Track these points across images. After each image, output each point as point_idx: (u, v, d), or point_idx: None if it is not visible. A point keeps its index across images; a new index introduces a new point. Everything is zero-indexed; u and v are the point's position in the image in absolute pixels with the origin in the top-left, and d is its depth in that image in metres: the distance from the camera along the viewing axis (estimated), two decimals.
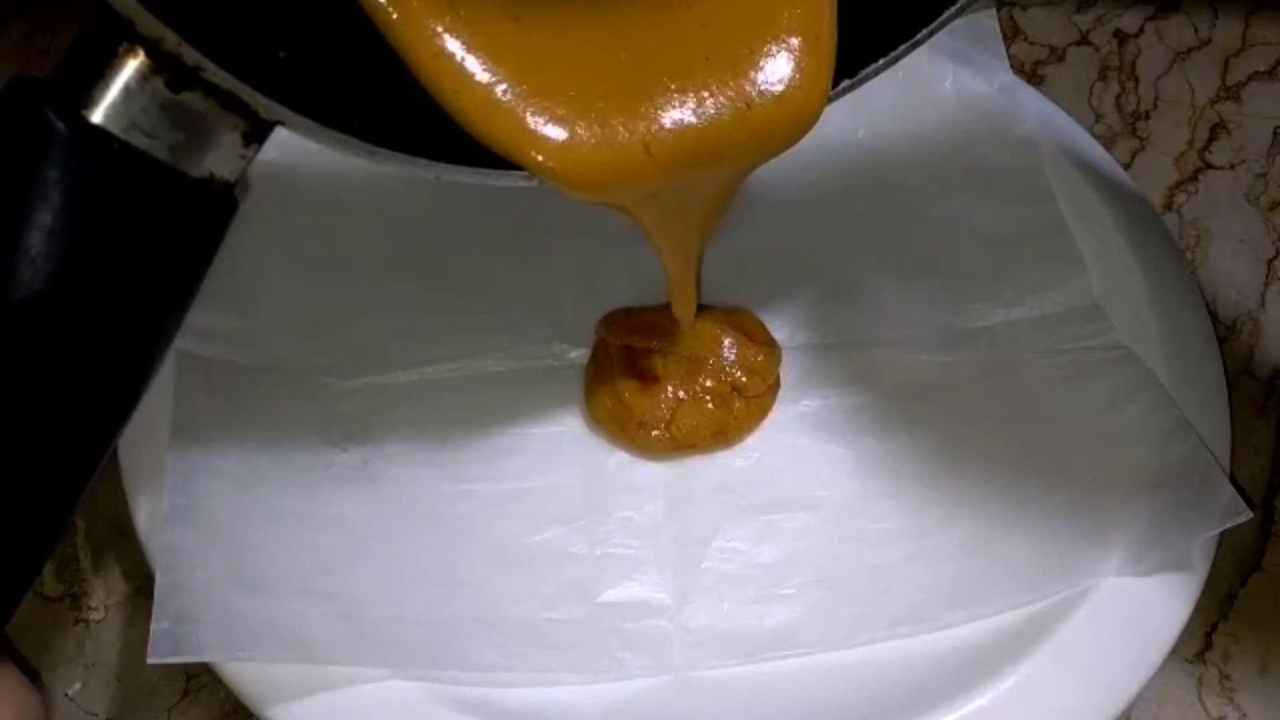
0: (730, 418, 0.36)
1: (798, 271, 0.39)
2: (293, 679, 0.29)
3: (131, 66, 0.21)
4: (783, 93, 0.25)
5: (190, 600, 0.29)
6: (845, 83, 0.26)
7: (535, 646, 0.31)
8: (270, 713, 0.29)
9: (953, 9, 0.26)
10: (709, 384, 0.36)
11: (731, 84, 0.25)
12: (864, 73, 0.26)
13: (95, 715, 0.33)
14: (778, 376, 0.37)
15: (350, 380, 0.36)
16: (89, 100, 0.21)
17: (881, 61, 0.27)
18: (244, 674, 0.29)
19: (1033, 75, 0.47)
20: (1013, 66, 0.42)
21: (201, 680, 0.33)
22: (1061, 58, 0.48)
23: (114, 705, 0.33)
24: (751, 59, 0.25)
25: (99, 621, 0.34)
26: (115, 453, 0.31)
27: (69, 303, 0.21)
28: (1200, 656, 0.33)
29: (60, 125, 0.21)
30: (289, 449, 0.34)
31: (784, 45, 0.25)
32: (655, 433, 0.35)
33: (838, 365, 0.37)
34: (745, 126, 0.25)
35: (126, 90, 0.21)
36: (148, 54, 0.20)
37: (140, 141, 0.21)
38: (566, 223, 0.39)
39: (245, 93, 0.21)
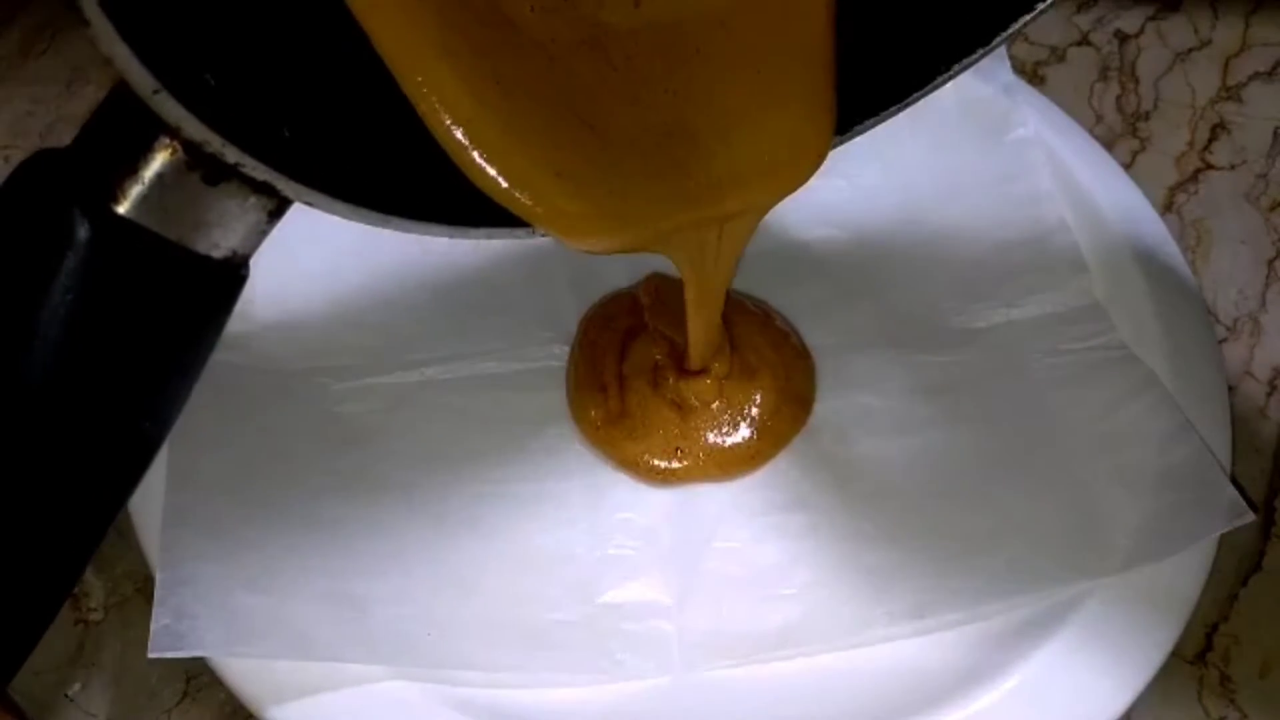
0: (755, 462, 0.35)
1: (796, 273, 0.39)
2: (293, 679, 0.29)
3: (166, 161, 0.20)
4: (775, 172, 0.27)
5: (190, 596, 0.29)
6: (835, 139, 0.27)
7: (535, 647, 0.31)
8: (270, 713, 0.29)
9: (944, 75, 0.27)
10: (724, 436, 0.35)
11: (730, 160, 0.26)
12: (855, 129, 0.27)
13: (95, 715, 0.33)
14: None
15: (349, 382, 0.36)
16: (119, 192, 0.21)
17: (870, 122, 0.28)
18: (244, 674, 0.29)
19: (1033, 75, 0.47)
20: (1013, 66, 0.42)
21: (201, 681, 0.33)
22: (1062, 58, 0.47)
23: (114, 705, 0.33)
24: (753, 143, 0.26)
25: (99, 621, 0.34)
26: None
27: (90, 387, 0.22)
28: (1200, 657, 0.33)
29: (91, 223, 0.20)
30: (288, 450, 0.34)
31: (785, 137, 0.26)
32: (655, 464, 0.35)
33: (837, 366, 0.37)
34: (738, 198, 0.27)
35: (161, 184, 0.21)
36: (185, 151, 0.20)
37: (171, 233, 0.21)
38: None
39: (281, 182, 0.21)
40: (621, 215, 0.26)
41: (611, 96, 0.24)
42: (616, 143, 0.25)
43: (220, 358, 0.34)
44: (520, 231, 0.25)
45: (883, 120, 0.28)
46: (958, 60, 0.27)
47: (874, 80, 0.27)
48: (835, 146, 0.27)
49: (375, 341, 0.37)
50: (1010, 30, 0.26)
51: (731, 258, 0.30)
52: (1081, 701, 0.30)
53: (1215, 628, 0.34)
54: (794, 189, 0.27)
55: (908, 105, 0.27)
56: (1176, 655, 0.31)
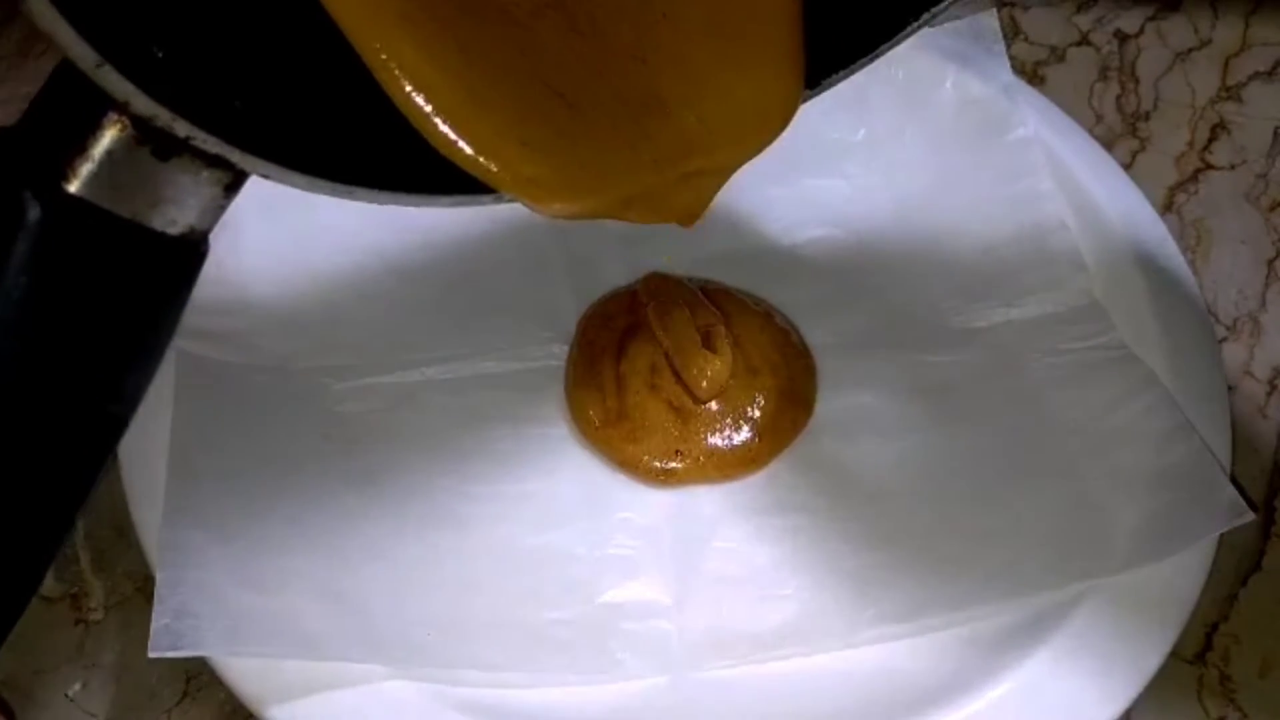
0: (755, 464, 0.35)
1: (796, 273, 0.39)
2: (293, 679, 0.29)
3: (116, 138, 0.20)
4: (744, 134, 0.26)
5: (191, 595, 0.29)
6: (805, 93, 0.27)
7: (535, 647, 0.31)
8: (270, 713, 0.29)
9: (915, 24, 0.27)
10: (724, 439, 0.35)
11: (700, 124, 0.26)
12: (824, 84, 0.27)
13: (95, 715, 0.33)
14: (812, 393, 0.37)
15: (350, 381, 0.36)
16: (69, 171, 0.20)
17: (839, 75, 0.27)
18: (244, 673, 0.29)
19: (1033, 75, 0.47)
20: (1013, 66, 0.42)
21: (201, 680, 0.33)
22: (1062, 58, 0.47)
23: (114, 705, 0.33)
24: (723, 106, 0.26)
25: (99, 621, 0.34)
26: (115, 454, 0.31)
27: (51, 371, 0.21)
28: (1200, 657, 0.33)
29: (42, 204, 0.20)
30: (289, 449, 0.34)
31: (754, 98, 0.26)
32: (654, 465, 0.35)
33: (837, 366, 0.37)
34: (708, 159, 0.26)
35: (111, 161, 0.20)
36: (134, 126, 0.20)
37: (125, 210, 0.21)
38: (566, 223, 0.39)
39: (234, 154, 0.21)
40: (589, 182, 0.25)
41: (578, 63, 0.24)
42: (585, 111, 0.25)
43: (220, 357, 0.34)
44: (487, 198, 0.25)
45: (852, 73, 0.27)
46: (927, 9, 0.26)
47: (843, 32, 0.26)
48: (805, 101, 0.27)
49: (375, 341, 0.37)
50: None
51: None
52: (1082, 701, 0.30)
53: (1215, 628, 0.34)
54: (763, 149, 0.27)
55: (877, 57, 0.27)
56: (1176, 655, 0.31)
